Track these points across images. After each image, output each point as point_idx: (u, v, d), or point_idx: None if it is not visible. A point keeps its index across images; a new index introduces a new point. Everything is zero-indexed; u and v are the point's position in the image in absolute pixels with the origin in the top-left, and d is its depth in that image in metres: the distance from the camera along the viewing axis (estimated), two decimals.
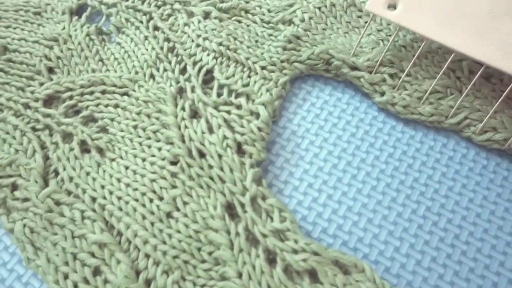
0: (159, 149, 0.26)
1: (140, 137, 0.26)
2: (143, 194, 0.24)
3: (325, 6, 0.30)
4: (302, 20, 0.30)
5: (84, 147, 0.26)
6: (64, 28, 0.31)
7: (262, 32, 0.30)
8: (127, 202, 0.24)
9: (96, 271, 0.22)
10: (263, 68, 0.28)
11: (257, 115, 0.26)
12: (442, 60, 0.27)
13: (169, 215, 0.23)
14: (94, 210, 0.24)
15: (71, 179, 0.25)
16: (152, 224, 0.23)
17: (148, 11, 0.31)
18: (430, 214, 0.25)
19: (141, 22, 0.31)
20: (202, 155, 0.25)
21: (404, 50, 0.28)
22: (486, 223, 0.24)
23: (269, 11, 0.31)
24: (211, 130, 0.26)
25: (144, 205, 0.24)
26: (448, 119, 0.26)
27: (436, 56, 0.28)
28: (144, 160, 0.25)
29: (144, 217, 0.23)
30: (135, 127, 0.27)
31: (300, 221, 0.25)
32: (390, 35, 0.29)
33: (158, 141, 0.26)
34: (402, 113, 0.26)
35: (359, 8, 0.30)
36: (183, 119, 0.26)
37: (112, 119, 0.27)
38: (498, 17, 0.24)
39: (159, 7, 0.32)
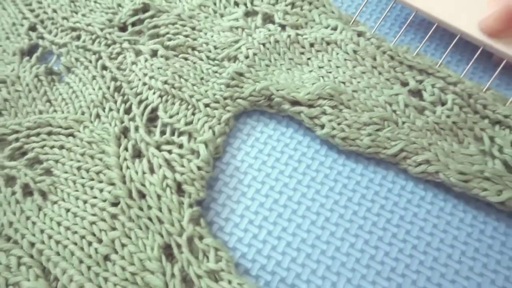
0: (101, 190, 0.26)
1: (83, 178, 0.27)
2: (82, 237, 0.24)
3: (270, 43, 0.31)
4: (247, 57, 0.31)
5: (27, 190, 0.27)
6: (13, 69, 0.31)
7: (207, 69, 0.30)
8: (65, 246, 0.24)
9: None
10: (206, 105, 0.29)
11: (198, 154, 0.27)
12: (379, 94, 0.28)
13: (106, 258, 0.24)
14: (31, 256, 0.24)
15: (10, 224, 0.25)
16: (89, 268, 0.23)
17: (98, 51, 0.32)
18: (368, 248, 0.25)
19: (90, 61, 0.32)
20: (142, 195, 0.25)
21: (344, 86, 0.29)
22: (422, 255, 0.25)
23: (215, 47, 0.31)
24: (152, 170, 0.26)
25: (82, 249, 0.24)
26: (385, 151, 0.26)
27: (374, 91, 0.28)
28: (85, 202, 0.26)
29: (81, 261, 0.23)
30: (78, 168, 0.27)
31: (239, 259, 0.25)
32: (330, 72, 0.30)
33: (101, 182, 0.26)
34: (341, 145, 0.27)
35: (302, 45, 0.31)
36: (125, 159, 0.27)
37: (56, 161, 0.27)
38: None
39: (109, 45, 0.33)
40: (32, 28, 0.34)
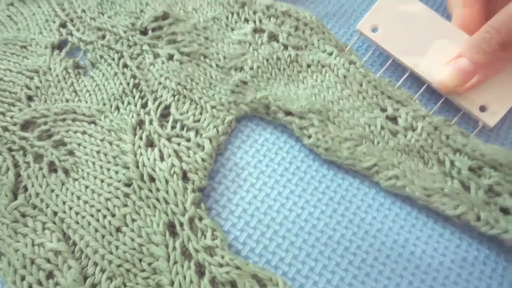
0: (117, 172, 0.30)
1: (101, 160, 0.30)
2: (98, 210, 0.28)
3: (272, 59, 0.35)
4: (251, 68, 0.35)
5: (52, 167, 0.30)
6: (45, 61, 0.35)
7: (216, 76, 0.35)
8: (83, 217, 0.28)
9: (50, 275, 0.26)
10: (213, 107, 0.33)
11: (203, 148, 0.31)
12: (361, 115, 0.33)
13: (118, 229, 0.27)
14: (54, 222, 0.28)
15: (37, 194, 0.29)
16: (103, 236, 0.27)
17: (120, 50, 0.36)
18: (343, 241, 0.29)
19: (113, 59, 0.36)
20: (152, 179, 0.29)
21: (331, 105, 0.33)
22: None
23: (224, 57, 0.36)
24: (162, 158, 0.30)
25: (98, 220, 0.28)
26: (360, 163, 0.31)
27: (356, 112, 0.33)
28: (102, 181, 0.29)
29: (96, 230, 0.27)
30: (98, 152, 0.31)
31: (232, 241, 0.29)
32: (321, 91, 0.34)
33: (117, 165, 0.30)
34: (323, 154, 0.31)
35: (300, 64, 0.35)
36: (139, 147, 0.31)
37: (79, 144, 0.31)
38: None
39: (130, 46, 0.37)
40: (63, 25, 0.38)
